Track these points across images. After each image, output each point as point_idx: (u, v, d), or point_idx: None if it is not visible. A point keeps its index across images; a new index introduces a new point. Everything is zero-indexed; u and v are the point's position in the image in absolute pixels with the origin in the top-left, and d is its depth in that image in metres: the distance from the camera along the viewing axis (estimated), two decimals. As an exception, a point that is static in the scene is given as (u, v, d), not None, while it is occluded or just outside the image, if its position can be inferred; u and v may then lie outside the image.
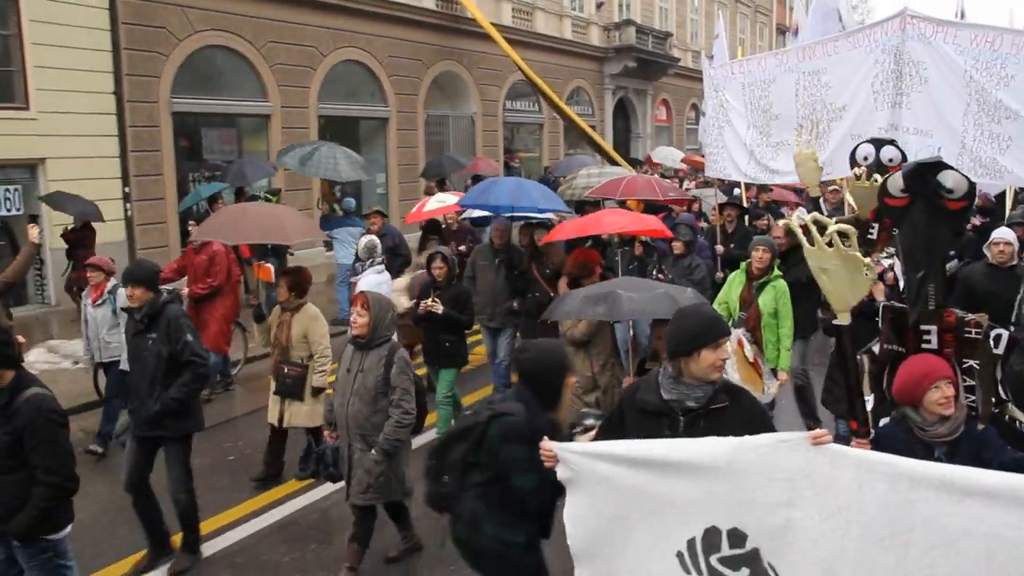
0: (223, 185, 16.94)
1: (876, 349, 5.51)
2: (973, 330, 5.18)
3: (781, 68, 10.08)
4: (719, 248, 11.45)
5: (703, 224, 12.93)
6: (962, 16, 16.92)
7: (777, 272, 8.41)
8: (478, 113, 28.14)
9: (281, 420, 8.19)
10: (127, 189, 17.09)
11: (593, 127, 33.54)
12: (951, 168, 4.99)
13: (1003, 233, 7.94)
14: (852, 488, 3.63)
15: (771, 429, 4.16)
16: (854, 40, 9.57)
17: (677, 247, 10.04)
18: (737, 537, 3.79)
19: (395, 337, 6.81)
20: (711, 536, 3.83)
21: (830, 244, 4.29)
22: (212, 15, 18.76)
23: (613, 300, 6.80)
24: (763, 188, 15.43)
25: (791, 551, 3.71)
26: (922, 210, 5.03)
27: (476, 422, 4.66)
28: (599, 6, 34.12)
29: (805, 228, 4.41)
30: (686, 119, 42.09)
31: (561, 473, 4.09)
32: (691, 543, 3.86)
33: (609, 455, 4.05)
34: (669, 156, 29.82)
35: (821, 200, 13.49)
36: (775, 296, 8.26)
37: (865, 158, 7.40)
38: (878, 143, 7.47)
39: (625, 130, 37.14)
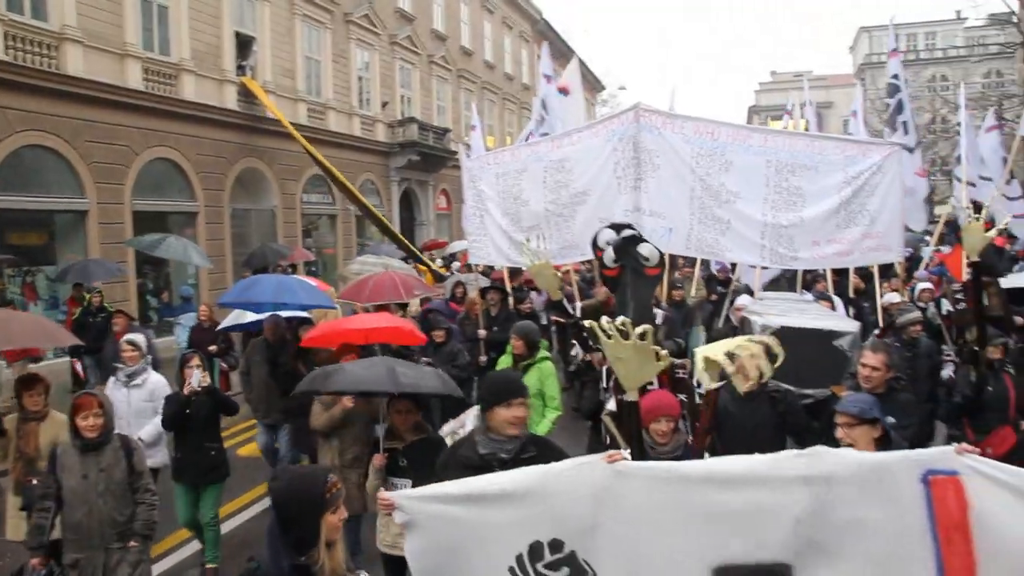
0: None
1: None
2: (679, 371, 6.33)
3: (532, 158, 9.87)
4: (482, 332, 11.00)
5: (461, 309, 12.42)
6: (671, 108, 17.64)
7: (543, 354, 8.14)
8: (278, 206, 27.50)
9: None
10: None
11: (384, 216, 33.47)
12: (645, 241, 5.97)
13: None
14: (642, 493, 4.10)
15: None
16: (595, 131, 9.50)
17: (438, 335, 9.58)
18: (556, 545, 4.16)
19: None
20: (535, 549, 4.17)
21: (626, 336, 4.57)
22: (30, 116, 17.79)
23: (392, 374, 6.31)
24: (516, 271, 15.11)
25: (601, 549, 4.13)
26: (629, 275, 5.89)
27: None
28: (384, 105, 34.02)
29: (600, 329, 4.64)
30: (464, 207, 41.59)
31: (398, 518, 4.26)
32: (519, 557, 4.17)
33: (440, 496, 4.27)
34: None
35: (565, 302, 13.29)
36: (540, 377, 7.93)
37: (607, 242, 7.30)
38: (618, 228, 7.38)
39: (410, 218, 37.00)
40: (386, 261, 14.98)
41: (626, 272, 5.90)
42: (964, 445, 4.10)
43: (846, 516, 4.07)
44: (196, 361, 7.61)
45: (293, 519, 3.44)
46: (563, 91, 13.87)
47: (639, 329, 4.61)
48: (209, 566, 7.83)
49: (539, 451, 4.65)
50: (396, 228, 28.03)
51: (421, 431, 6.35)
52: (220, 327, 12.07)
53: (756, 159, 8.90)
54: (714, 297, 13.43)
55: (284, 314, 9.96)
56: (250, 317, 10.93)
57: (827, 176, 8.94)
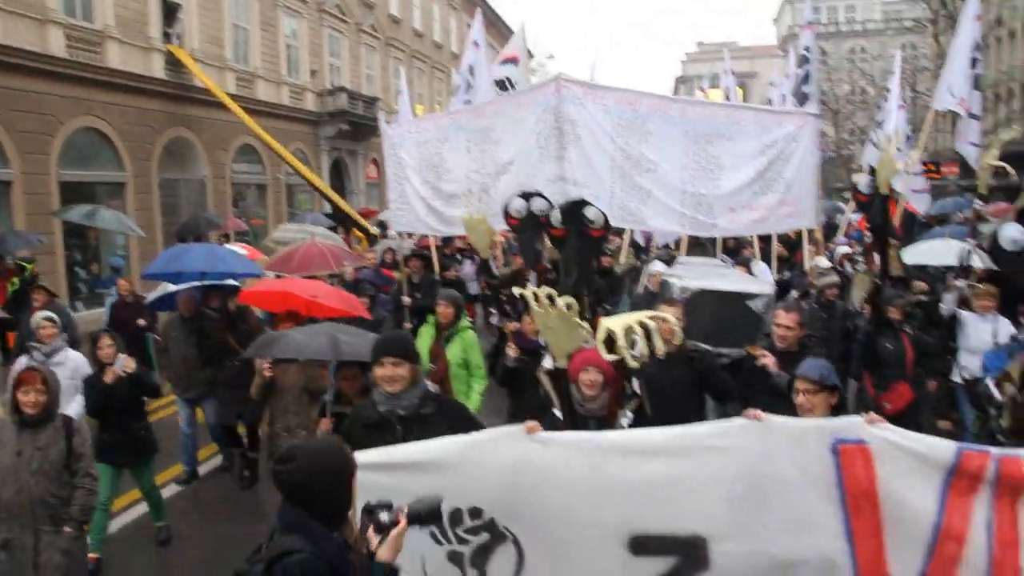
0: None
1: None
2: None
3: (454, 127, 9.76)
4: (406, 299, 10.84)
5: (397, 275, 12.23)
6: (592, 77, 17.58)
7: (465, 323, 8.08)
8: (208, 176, 26.84)
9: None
10: None
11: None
12: (591, 204, 6.13)
13: None
14: (560, 462, 4.22)
15: (476, 426, 4.67)
16: (518, 101, 9.41)
17: (364, 301, 9.40)
18: (476, 512, 4.28)
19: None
20: (455, 515, 4.26)
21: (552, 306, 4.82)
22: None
23: (334, 342, 6.42)
24: (448, 239, 15.08)
25: (520, 516, 4.24)
26: (574, 237, 6.07)
27: None
28: (313, 73, 33.39)
29: (535, 296, 4.88)
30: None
31: None
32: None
33: (364, 463, 3.98)
34: None
35: (491, 261, 13.27)
36: (464, 347, 7.88)
37: (518, 211, 7.33)
38: (527, 196, 7.38)
39: (340, 188, 36.40)
40: (309, 229, 14.68)
41: (572, 234, 6.08)
42: (872, 415, 4.20)
43: (759, 486, 4.15)
44: (107, 341, 7.34)
45: (324, 494, 3.18)
46: (512, 61, 13.66)
47: (564, 300, 4.79)
48: (159, 524, 7.86)
49: (438, 408, 4.69)
50: (336, 195, 27.68)
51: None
52: (148, 301, 11.67)
53: (675, 129, 8.93)
54: (639, 264, 13.56)
55: (209, 284, 9.68)
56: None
57: (744, 145, 9.02)
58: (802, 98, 14.21)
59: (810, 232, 9.89)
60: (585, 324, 5.01)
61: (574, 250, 6.07)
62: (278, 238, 14.42)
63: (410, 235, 12.85)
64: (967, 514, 4.01)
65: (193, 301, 9.37)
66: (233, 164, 28.38)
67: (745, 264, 11.78)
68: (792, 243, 12.55)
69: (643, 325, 4.66)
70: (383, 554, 3.14)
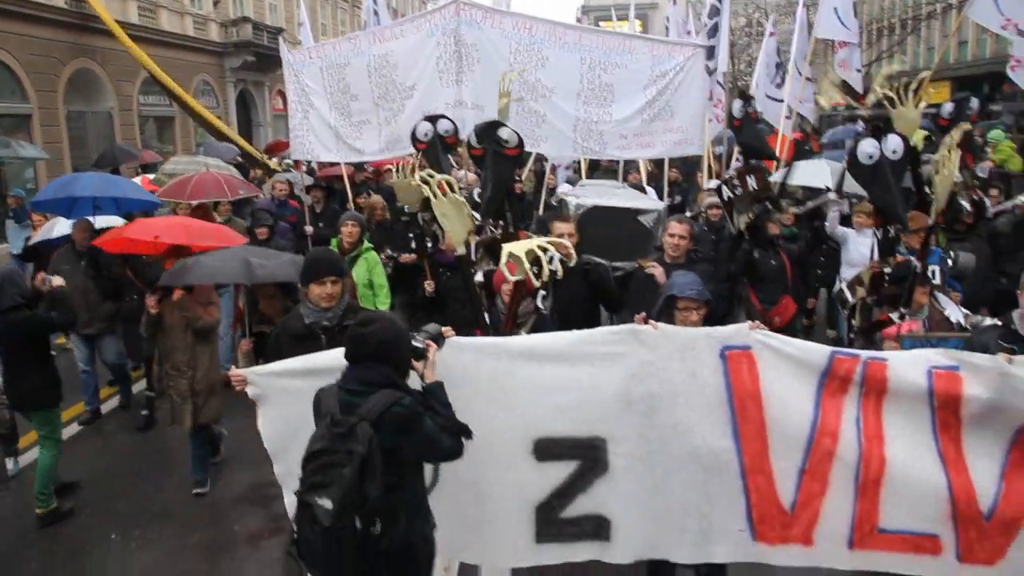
0: None
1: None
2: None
3: (354, 52, 9.40)
4: (308, 228, 10.47)
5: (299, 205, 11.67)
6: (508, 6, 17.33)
7: (367, 245, 7.99)
8: (115, 108, 25.57)
9: None
10: None
11: (219, 118, 31.74)
12: (505, 125, 6.27)
13: None
14: (472, 366, 4.24)
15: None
16: (417, 24, 9.20)
17: (261, 232, 8.94)
18: None
19: None
20: None
21: (445, 194, 4.98)
22: None
23: (247, 266, 6.31)
24: (359, 166, 14.67)
25: None
26: (491, 156, 6.15)
27: (350, 449, 3.31)
28: (216, 3, 32.00)
29: (425, 181, 5.01)
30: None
31: (250, 392, 4.27)
32: None
33: (287, 371, 4.30)
34: None
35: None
36: (367, 267, 7.84)
37: (425, 134, 7.32)
38: (434, 119, 7.36)
39: (247, 120, 35.35)
40: (202, 160, 14.05)
41: (488, 153, 6.19)
42: (756, 323, 4.26)
43: (654, 390, 4.21)
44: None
45: (402, 349, 3.68)
46: None
47: (440, 178, 5.00)
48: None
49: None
50: (233, 129, 26.64)
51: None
52: (32, 241, 10.52)
53: (571, 55, 8.89)
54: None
55: (100, 223, 8.84)
56: (64, 226, 9.59)
57: (636, 74, 9.02)
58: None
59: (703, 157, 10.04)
60: (475, 213, 5.24)
61: (491, 169, 6.16)
62: (168, 170, 13.69)
63: (308, 164, 12.53)
64: (839, 412, 4.16)
65: (87, 231, 8.59)
66: (140, 96, 27.07)
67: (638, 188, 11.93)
68: (689, 168, 12.75)
69: (543, 248, 4.63)
70: (429, 376, 3.75)
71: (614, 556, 4.40)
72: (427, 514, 3.82)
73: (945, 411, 4.07)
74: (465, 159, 9.64)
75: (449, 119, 7.21)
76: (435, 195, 5.03)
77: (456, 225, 5.16)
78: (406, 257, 8.41)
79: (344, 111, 9.63)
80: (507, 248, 4.71)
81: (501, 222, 6.53)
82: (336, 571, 3.49)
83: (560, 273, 4.68)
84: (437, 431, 3.56)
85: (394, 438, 3.43)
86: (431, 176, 5.09)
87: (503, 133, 6.13)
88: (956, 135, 6.66)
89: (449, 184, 5.05)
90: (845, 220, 8.88)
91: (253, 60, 32.91)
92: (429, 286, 7.60)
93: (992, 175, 11.90)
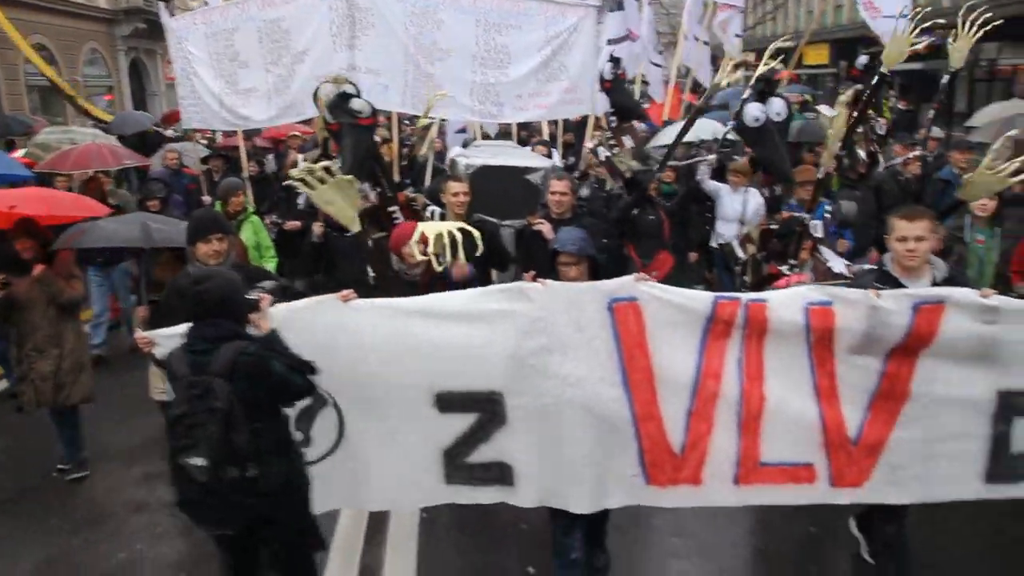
0: None
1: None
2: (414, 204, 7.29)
3: (243, 17, 9.02)
4: (207, 198, 9.99)
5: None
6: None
7: (251, 209, 7.97)
8: (1, 77, 24.16)
9: None
10: None
11: (111, 88, 30.34)
12: (357, 96, 6.26)
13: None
14: (371, 326, 4.31)
15: (294, 296, 4.66)
16: None
17: (152, 204, 8.62)
18: None
19: None
20: None
21: (323, 182, 4.92)
22: None
23: (145, 229, 6.21)
24: (253, 133, 14.09)
25: (338, 378, 4.27)
26: (347, 129, 6.17)
27: (210, 407, 3.53)
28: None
29: (302, 180, 4.94)
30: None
31: (157, 352, 4.15)
32: None
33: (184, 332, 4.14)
34: None
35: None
36: (254, 230, 7.77)
37: (327, 95, 7.07)
38: (345, 95, 7.07)
39: (140, 90, 33.78)
40: (79, 131, 13.34)
41: (343, 126, 6.17)
42: (640, 275, 4.34)
43: (547, 344, 4.26)
44: None
45: (240, 301, 3.91)
46: None
47: (320, 166, 4.96)
48: None
49: (247, 276, 4.69)
50: (127, 101, 25.40)
51: None
52: None
53: (466, 18, 8.80)
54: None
55: None
56: None
57: (530, 35, 8.99)
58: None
59: (596, 118, 10.06)
60: (354, 179, 5.19)
61: (348, 140, 6.16)
62: (40, 141, 12.96)
63: (213, 133, 12.09)
64: (722, 355, 4.30)
65: None
66: (27, 65, 25.40)
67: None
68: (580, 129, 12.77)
69: (451, 235, 4.74)
70: (264, 325, 3.94)
71: (517, 501, 4.50)
72: (297, 450, 4.06)
73: (821, 345, 4.26)
74: None
75: (353, 83, 7.00)
76: (312, 187, 4.97)
77: (343, 207, 5.13)
78: (291, 224, 8.32)
79: (230, 78, 9.23)
80: (421, 227, 4.89)
81: (378, 189, 6.56)
82: (223, 521, 3.76)
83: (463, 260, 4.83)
84: (287, 371, 3.75)
85: (248, 386, 3.61)
86: (310, 171, 5.01)
87: (355, 104, 6.18)
88: (849, 93, 6.92)
89: (328, 170, 5.00)
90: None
91: (144, 27, 31.31)
92: (318, 228, 7.35)
93: (889, 131, 12.32)
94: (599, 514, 4.59)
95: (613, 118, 9.17)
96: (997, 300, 4.19)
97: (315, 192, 5.00)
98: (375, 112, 6.28)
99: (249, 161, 10.44)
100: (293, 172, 5.07)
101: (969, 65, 26.65)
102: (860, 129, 7.67)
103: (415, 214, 6.87)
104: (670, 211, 8.05)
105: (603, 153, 7.77)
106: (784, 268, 6.02)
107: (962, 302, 4.15)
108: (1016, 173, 5.31)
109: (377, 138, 7.48)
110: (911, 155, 9.15)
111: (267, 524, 3.87)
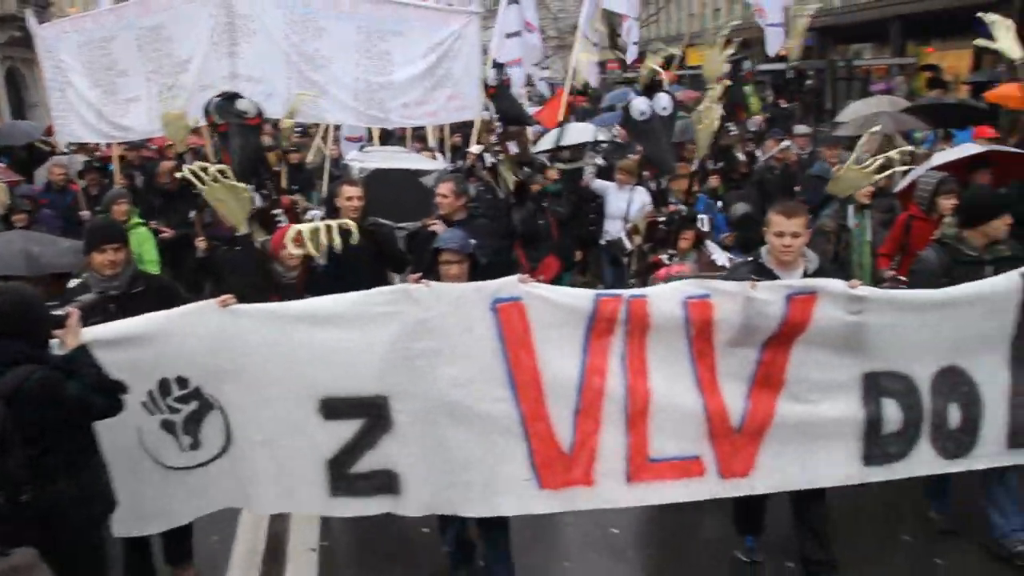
0: None
1: None
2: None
3: (120, 24, 8.64)
4: (85, 214, 9.33)
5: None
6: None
7: (136, 220, 7.75)
8: None
9: None
10: None
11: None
12: (241, 96, 6.42)
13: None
14: (252, 331, 4.23)
15: (183, 300, 4.57)
16: None
17: (18, 219, 8.00)
18: (182, 381, 4.25)
19: None
20: (164, 385, 4.24)
21: (216, 181, 4.95)
22: None
23: (27, 256, 5.96)
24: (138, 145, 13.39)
25: (222, 383, 4.24)
26: (235, 129, 6.27)
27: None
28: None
29: (194, 174, 4.95)
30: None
31: None
32: (150, 393, 4.22)
33: (96, 340, 3.97)
34: None
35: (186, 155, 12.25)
36: (137, 241, 7.48)
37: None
38: (231, 97, 7.03)
39: (18, 100, 32.27)
40: None
41: (231, 127, 6.24)
42: (524, 275, 4.37)
43: (432, 347, 4.22)
44: None
45: (34, 319, 3.67)
46: None
47: (215, 168, 4.98)
48: None
49: (148, 284, 4.77)
50: (4, 112, 24.20)
51: None
52: None
53: (347, 25, 8.73)
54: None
55: None
56: None
57: (413, 41, 8.99)
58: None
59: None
60: (246, 187, 5.25)
61: (236, 141, 6.18)
62: None
63: (84, 146, 11.55)
64: (606, 352, 4.33)
65: None
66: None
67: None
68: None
69: (328, 227, 4.79)
70: (70, 342, 3.76)
71: (405, 509, 4.42)
72: (97, 469, 3.86)
73: (700, 338, 4.34)
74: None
75: (241, 96, 6.87)
76: (203, 183, 4.94)
77: (233, 208, 5.10)
78: (164, 234, 8.20)
79: (108, 88, 8.78)
80: (295, 228, 4.87)
81: (263, 192, 6.57)
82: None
83: (338, 244, 4.82)
84: (87, 392, 3.60)
85: (36, 410, 3.48)
86: (203, 169, 5.04)
87: (242, 105, 6.23)
88: (718, 90, 7.17)
89: (222, 171, 4.98)
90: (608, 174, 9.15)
91: (20, 36, 29.72)
92: (201, 243, 7.43)
93: (762, 128, 12.74)
94: (498, 524, 4.55)
95: (500, 123, 9.24)
96: (864, 290, 4.37)
97: (207, 189, 4.97)
98: (261, 113, 6.32)
99: (121, 175, 10.01)
100: (186, 168, 5.04)
101: (831, 65, 28.28)
102: (734, 131, 7.94)
103: (298, 218, 6.88)
104: (562, 216, 8.13)
105: (489, 160, 7.82)
106: (664, 257, 6.16)
107: (832, 292, 4.30)
108: (881, 170, 5.56)
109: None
110: (776, 149, 9.51)
111: (48, 550, 3.63)
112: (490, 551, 4.65)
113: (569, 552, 5.20)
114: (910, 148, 7.59)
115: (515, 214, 7.73)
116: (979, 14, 8.32)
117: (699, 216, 6.57)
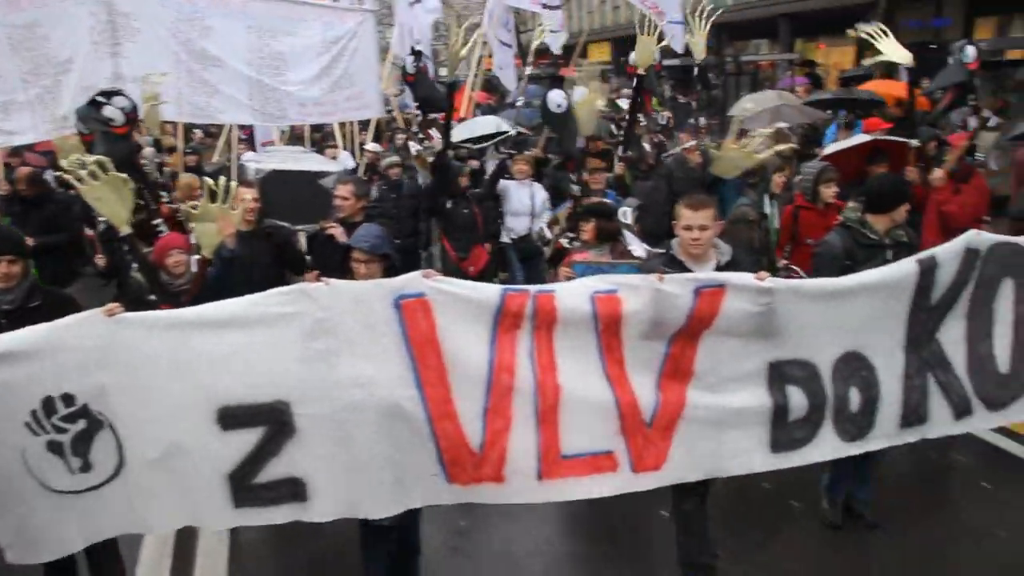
0: None
1: None
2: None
3: None
4: None
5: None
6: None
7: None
8: None
9: None
10: None
11: None
12: (109, 104, 5.96)
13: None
14: (142, 341, 3.95)
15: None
16: None
17: None
18: (68, 399, 3.92)
19: None
20: (48, 403, 3.90)
21: (95, 177, 4.65)
22: None
23: None
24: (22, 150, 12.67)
25: (111, 398, 3.94)
26: (100, 138, 5.87)
27: None
28: None
29: (74, 175, 4.69)
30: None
31: None
32: (34, 412, 3.89)
33: None
34: None
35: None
36: None
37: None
38: (108, 95, 6.50)
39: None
40: None
41: (97, 135, 5.93)
42: (429, 271, 4.21)
43: (332, 346, 4.05)
44: None
45: None
46: None
47: (92, 161, 4.71)
48: None
49: (45, 299, 4.50)
50: None
51: None
52: None
53: (236, 24, 8.47)
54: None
55: None
56: None
57: (306, 41, 8.82)
58: None
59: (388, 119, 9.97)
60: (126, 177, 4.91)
61: (103, 151, 5.65)
62: None
63: None
64: (514, 348, 4.21)
65: None
66: None
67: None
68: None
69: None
70: None
71: (312, 516, 4.23)
72: None
73: (608, 332, 4.26)
74: None
75: (125, 95, 6.47)
76: (81, 180, 4.66)
77: (115, 207, 4.82)
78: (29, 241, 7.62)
79: None
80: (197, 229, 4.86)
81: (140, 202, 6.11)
82: None
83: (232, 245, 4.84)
84: None
85: None
86: (81, 163, 4.74)
87: (107, 112, 5.94)
88: (599, 81, 7.49)
89: (102, 165, 4.68)
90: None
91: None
92: (100, 260, 7.18)
93: (671, 122, 12.89)
94: (409, 519, 4.48)
95: (419, 112, 9.15)
96: (771, 282, 4.37)
97: (85, 188, 4.69)
98: (131, 120, 6.00)
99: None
100: (63, 162, 4.81)
101: (720, 61, 28.98)
102: (643, 123, 8.02)
103: (179, 226, 6.52)
104: (477, 198, 8.10)
105: (414, 148, 7.71)
106: (564, 242, 6.14)
107: (740, 285, 4.29)
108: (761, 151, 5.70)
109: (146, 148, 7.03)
110: (687, 145, 9.59)
111: None
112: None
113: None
114: (795, 146, 7.79)
115: (431, 195, 7.78)
116: (856, 25, 8.57)
117: (621, 209, 6.57)
